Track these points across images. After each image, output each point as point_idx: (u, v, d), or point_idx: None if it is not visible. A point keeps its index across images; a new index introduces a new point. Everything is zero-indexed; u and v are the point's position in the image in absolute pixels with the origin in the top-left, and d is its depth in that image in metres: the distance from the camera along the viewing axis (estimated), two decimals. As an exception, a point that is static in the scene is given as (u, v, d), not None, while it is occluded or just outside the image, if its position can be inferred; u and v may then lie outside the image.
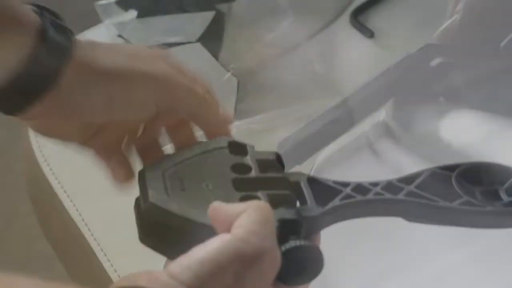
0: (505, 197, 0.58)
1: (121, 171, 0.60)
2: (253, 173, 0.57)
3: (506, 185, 0.58)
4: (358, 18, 1.17)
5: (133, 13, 1.10)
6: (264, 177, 0.57)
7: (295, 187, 0.57)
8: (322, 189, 0.57)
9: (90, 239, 0.95)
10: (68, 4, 1.72)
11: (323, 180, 0.58)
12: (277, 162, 0.59)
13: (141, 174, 0.57)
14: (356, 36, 1.15)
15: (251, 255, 0.44)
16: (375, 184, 0.57)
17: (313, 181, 0.58)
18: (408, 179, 0.58)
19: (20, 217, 1.64)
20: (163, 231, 0.53)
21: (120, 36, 1.09)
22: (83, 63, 0.55)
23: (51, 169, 1.00)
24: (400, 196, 0.56)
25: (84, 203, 0.98)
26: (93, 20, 1.12)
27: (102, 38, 1.10)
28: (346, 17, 1.18)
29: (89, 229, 0.96)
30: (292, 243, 0.49)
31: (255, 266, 0.44)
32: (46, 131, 0.59)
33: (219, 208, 0.48)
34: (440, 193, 0.57)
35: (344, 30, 1.16)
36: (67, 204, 0.98)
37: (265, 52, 1.10)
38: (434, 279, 0.91)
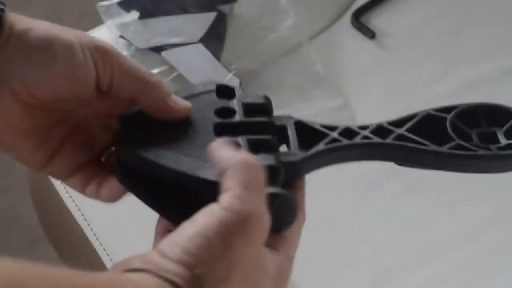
0: (503, 140, 0.55)
1: (106, 188, 0.57)
2: (237, 118, 0.54)
3: (506, 127, 0.55)
4: (360, 19, 1.17)
5: (135, 14, 1.10)
6: (246, 121, 0.54)
7: (281, 132, 0.55)
8: (309, 133, 0.55)
9: (92, 240, 0.95)
10: (70, 5, 1.72)
11: (310, 123, 0.55)
12: (266, 106, 0.56)
13: (124, 116, 0.55)
14: (357, 37, 1.15)
15: (234, 223, 0.44)
16: (364, 128, 0.55)
17: (300, 125, 0.55)
18: (400, 122, 0.55)
19: (22, 218, 1.64)
20: (139, 176, 0.53)
21: (122, 37, 1.09)
22: (20, 32, 0.53)
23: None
24: (388, 140, 0.54)
25: (86, 203, 0.98)
26: (95, 21, 1.12)
27: (104, 39, 1.10)
28: (347, 17, 1.18)
29: (91, 229, 0.96)
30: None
31: (240, 232, 0.44)
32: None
33: (214, 151, 0.48)
34: (432, 136, 0.54)
35: (345, 30, 1.16)
36: (69, 204, 0.98)
37: (267, 53, 1.10)
38: (439, 277, 0.91)
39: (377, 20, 1.17)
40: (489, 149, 0.54)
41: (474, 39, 1.14)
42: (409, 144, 0.54)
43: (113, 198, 0.56)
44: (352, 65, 1.12)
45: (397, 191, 0.97)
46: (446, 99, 1.08)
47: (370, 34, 1.14)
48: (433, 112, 0.56)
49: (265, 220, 0.46)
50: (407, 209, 0.96)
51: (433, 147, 0.53)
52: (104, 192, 0.56)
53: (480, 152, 0.53)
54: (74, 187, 0.58)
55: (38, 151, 0.56)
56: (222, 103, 0.55)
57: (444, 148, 0.53)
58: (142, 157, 0.52)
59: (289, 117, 0.56)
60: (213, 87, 0.56)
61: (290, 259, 0.50)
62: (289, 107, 1.05)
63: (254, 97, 0.57)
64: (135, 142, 0.53)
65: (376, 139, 0.54)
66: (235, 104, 0.55)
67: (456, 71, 1.10)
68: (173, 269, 0.42)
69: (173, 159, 0.51)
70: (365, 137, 0.54)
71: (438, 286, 0.91)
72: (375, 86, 1.06)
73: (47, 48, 0.53)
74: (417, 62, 1.11)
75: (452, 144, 0.54)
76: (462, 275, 0.91)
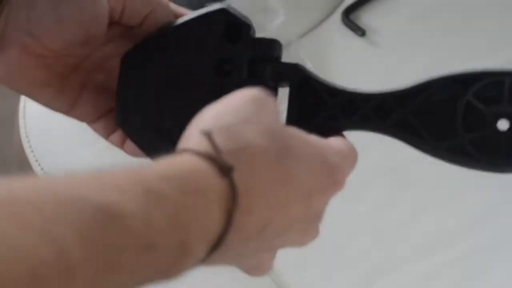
0: None
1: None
2: (235, 77, 0.52)
3: None
4: (350, 17, 1.16)
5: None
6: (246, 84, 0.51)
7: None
8: (311, 96, 0.52)
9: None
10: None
11: (315, 84, 0.52)
12: (274, 55, 0.53)
13: (123, 64, 0.53)
14: (347, 35, 1.15)
15: (248, 96, 0.45)
16: (368, 99, 0.51)
17: (305, 82, 0.52)
18: (409, 95, 0.51)
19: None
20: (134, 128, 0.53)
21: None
22: None
23: (42, 169, 0.99)
24: (387, 123, 0.50)
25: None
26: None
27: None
28: (337, 15, 1.17)
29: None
30: None
31: (256, 103, 0.44)
32: (13, 78, 0.54)
33: None
34: (439, 117, 0.50)
35: (335, 28, 1.16)
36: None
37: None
38: (428, 275, 0.91)
39: (368, 17, 1.17)
40: (490, 154, 0.50)
41: (465, 36, 1.13)
42: (403, 135, 0.51)
43: (137, 152, 0.55)
44: (343, 63, 1.12)
45: (386, 190, 0.97)
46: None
47: (360, 32, 1.14)
48: (452, 85, 0.51)
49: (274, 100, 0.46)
50: (396, 208, 0.96)
51: (428, 144, 0.50)
52: (129, 144, 0.55)
53: (475, 159, 0.50)
54: (98, 132, 0.57)
55: (58, 98, 0.55)
56: (226, 51, 0.52)
57: (441, 146, 0.50)
58: (131, 120, 0.52)
59: (296, 70, 0.53)
60: (222, 21, 0.52)
61: (338, 151, 0.48)
62: (280, 105, 1.04)
63: (262, 43, 0.53)
64: (126, 103, 0.53)
65: (374, 121, 0.51)
66: (239, 53, 0.52)
67: (447, 68, 1.09)
68: (195, 139, 0.42)
69: (160, 128, 0.51)
70: (364, 116, 0.51)
71: (428, 284, 0.91)
72: (365, 84, 1.05)
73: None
74: (408, 60, 1.11)
75: (452, 143, 0.50)
76: (452, 273, 0.91)
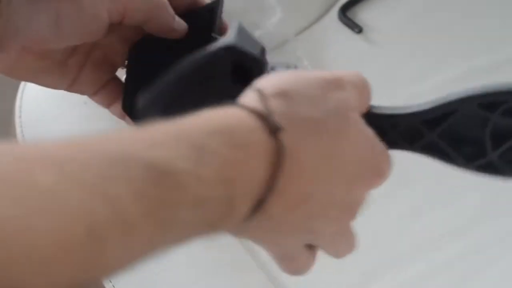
0: None
1: None
2: None
3: None
4: (347, 14, 1.16)
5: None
6: None
7: None
8: None
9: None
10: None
11: None
12: None
13: (133, 48, 0.54)
14: (344, 32, 1.14)
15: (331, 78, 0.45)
16: (394, 125, 0.50)
17: None
18: (436, 120, 0.49)
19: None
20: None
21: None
22: None
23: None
24: (414, 146, 0.50)
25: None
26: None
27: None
28: (334, 12, 1.17)
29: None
30: None
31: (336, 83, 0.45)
32: (13, 71, 0.55)
33: None
34: (465, 143, 0.49)
35: (332, 25, 1.16)
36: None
37: (254, 49, 1.09)
38: (428, 274, 0.91)
39: (364, 14, 1.16)
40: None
41: (462, 34, 1.13)
42: (432, 155, 0.50)
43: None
44: (339, 60, 1.11)
45: (385, 189, 0.97)
46: (434, 94, 1.07)
47: (357, 28, 1.14)
48: (476, 109, 0.50)
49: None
50: (396, 207, 0.96)
51: (458, 163, 0.50)
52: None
53: (506, 173, 0.50)
54: (100, 103, 0.57)
55: (58, 80, 0.56)
56: (231, 91, 0.47)
57: (472, 165, 0.50)
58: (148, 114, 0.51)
59: None
60: (229, 63, 0.49)
61: (384, 148, 0.47)
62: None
63: None
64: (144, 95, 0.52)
65: (401, 144, 0.50)
66: None
67: (444, 66, 1.10)
68: (248, 96, 0.42)
69: None
70: (392, 141, 0.50)
71: (428, 284, 0.91)
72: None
73: (51, 7, 0.51)
74: (405, 57, 1.11)
75: (482, 161, 0.50)
76: (451, 272, 0.91)
